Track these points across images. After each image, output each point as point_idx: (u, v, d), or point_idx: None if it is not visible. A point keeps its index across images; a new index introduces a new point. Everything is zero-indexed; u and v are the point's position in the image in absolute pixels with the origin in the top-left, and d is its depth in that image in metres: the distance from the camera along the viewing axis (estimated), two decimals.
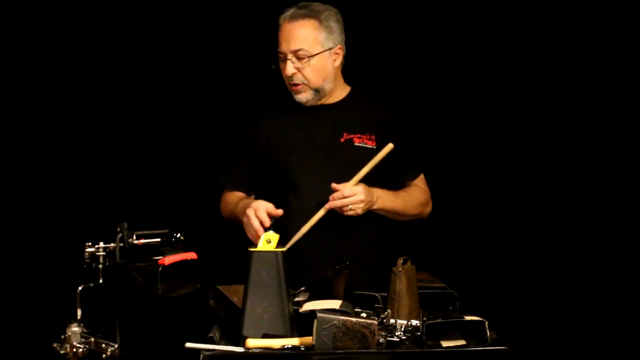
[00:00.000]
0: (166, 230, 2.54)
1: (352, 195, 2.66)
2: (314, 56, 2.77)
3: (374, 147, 2.78)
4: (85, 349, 2.43)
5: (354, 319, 2.12)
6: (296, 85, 2.80)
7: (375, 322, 2.14)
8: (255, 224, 2.61)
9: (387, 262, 2.68)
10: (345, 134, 2.84)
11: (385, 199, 2.78)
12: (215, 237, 3.30)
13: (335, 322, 2.11)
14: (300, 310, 2.27)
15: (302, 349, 2.15)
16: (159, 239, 2.53)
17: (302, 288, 2.53)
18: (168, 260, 2.38)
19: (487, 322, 2.19)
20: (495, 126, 3.58)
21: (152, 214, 3.46)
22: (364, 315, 2.22)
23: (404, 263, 2.42)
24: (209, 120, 3.57)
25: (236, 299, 2.39)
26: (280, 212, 2.64)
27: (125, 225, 2.50)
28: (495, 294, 3.44)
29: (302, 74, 2.78)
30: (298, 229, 2.68)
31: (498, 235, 3.55)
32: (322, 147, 2.84)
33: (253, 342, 2.16)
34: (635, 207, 3.50)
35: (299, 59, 2.77)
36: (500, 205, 3.58)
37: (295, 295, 2.48)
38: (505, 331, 2.28)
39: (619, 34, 3.48)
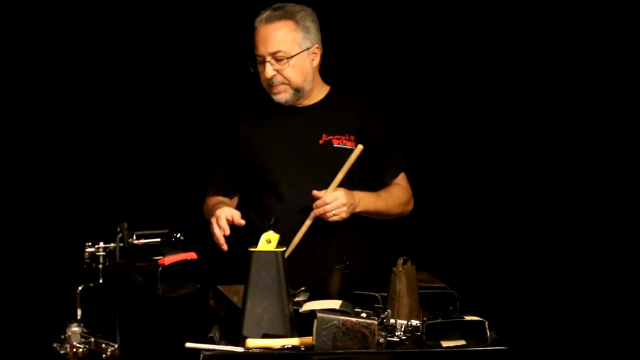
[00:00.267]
0: (166, 230, 2.54)
1: (333, 200, 2.68)
2: (292, 57, 2.78)
3: (353, 147, 2.77)
4: (85, 349, 2.43)
5: (354, 319, 2.12)
6: (276, 85, 2.80)
7: (375, 322, 2.14)
8: (216, 231, 2.68)
9: (374, 264, 2.72)
10: (324, 136, 2.85)
11: (367, 201, 2.79)
12: None
13: (335, 322, 2.11)
14: (300, 310, 2.27)
15: (302, 349, 2.15)
16: (159, 239, 2.53)
17: (302, 288, 2.53)
18: (168, 260, 2.38)
19: (487, 322, 2.19)
20: (496, 126, 3.58)
21: (152, 214, 3.46)
22: (364, 315, 2.22)
23: (404, 263, 2.42)
24: (209, 120, 3.57)
25: (236, 299, 2.39)
26: (242, 222, 2.70)
27: (125, 225, 2.50)
28: (495, 294, 3.44)
29: (282, 75, 2.79)
30: (281, 234, 2.67)
31: (498, 235, 3.55)
32: (301, 150, 2.85)
33: (253, 342, 2.16)
34: (635, 207, 3.50)
35: (278, 60, 2.78)
36: (500, 205, 3.58)
37: (295, 295, 2.48)
38: (505, 331, 2.28)
39: (618, 34, 3.48)
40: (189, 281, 2.44)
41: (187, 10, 3.54)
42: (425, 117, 3.57)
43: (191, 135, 3.59)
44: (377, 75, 3.55)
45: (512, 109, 3.57)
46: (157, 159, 3.59)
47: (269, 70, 2.78)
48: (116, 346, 2.41)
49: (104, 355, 2.41)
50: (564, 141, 3.55)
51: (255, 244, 2.27)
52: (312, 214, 2.70)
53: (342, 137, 2.84)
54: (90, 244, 2.48)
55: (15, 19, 3.49)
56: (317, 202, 2.69)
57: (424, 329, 2.19)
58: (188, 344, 2.16)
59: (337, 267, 2.49)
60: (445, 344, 2.18)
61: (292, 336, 2.20)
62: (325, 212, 2.68)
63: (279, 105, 2.88)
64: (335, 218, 2.70)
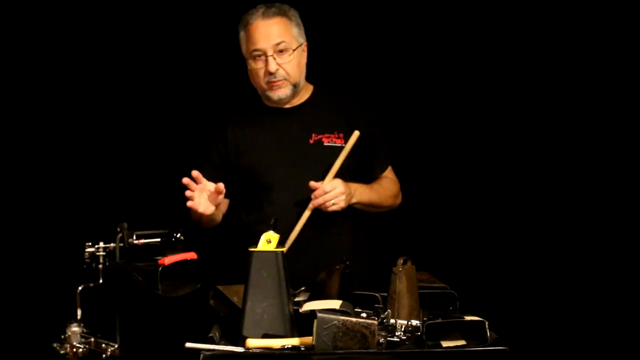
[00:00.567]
0: (166, 230, 2.54)
1: (332, 189, 2.68)
2: (295, 50, 2.80)
3: (343, 145, 2.79)
4: (85, 349, 2.43)
5: (354, 319, 2.12)
6: (277, 81, 2.80)
7: (375, 322, 2.14)
8: (188, 193, 2.65)
9: (367, 264, 2.72)
10: (313, 135, 2.86)
11: (361, 192, 2.81)
12: (215, 237, 3.29)
13: (335, 322, 2.11)
14: (300, 310, 2.27)
15: (302, 349, 2.15)
16: (159, 239, 2.53)
17: (302, 288, 2.53)
18: (168, 260, 2.38)
19: (487, 322, 2.19)
20: (496, 127, 3.58)
21: (152, 214, 3.46)
22: (364, 315, 2.22)
23: (404, 263, 2.42)
24: (209, 120, 3.57)
25: (236, 299, 2.39)
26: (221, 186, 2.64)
27: (125, 225, 2.50)
28: (495, 294, 3.44)
29: (284, 69, 2.80)
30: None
31: (498, 235, 3.55)
32: (292, 150, 2.85)
33: (253, 342, 2.16)
34: (635, 207, 3.50)
35: (281, 53, 2.78)
36: (500, 205, 3.58)
37: (295, 295, 2.48)
38: (505, 331, 2.28)
39: (618, 34, 3.48)
40: (189, 281, 2.44)
41: (186, 10, 3.54)
42: (425, 117, 3.57)
43: (191, 135, 3.59)
44: (360, 72, 3.55)
45: (512, 109, 3.57)
46: (157, 159, 3.59)
47: (273, 64, 2.78)
48: (116, 346, 2.42)
49: (104, 355, 2.41)
50: (563, 141, 3.55)
51: (253, 245, 2.27)
52: (311, 205, 2.71)
53: (331, 135, 2.85)
54: (90, 244, 2.48)
55: (14, 19, 3.49)
56: (316, 192, 2.69)
57: (424, 329, 2.19)
58: (188, 344, 2.16)
59: (337, 267, 2.49)
60: (445, 344, 2.18)
61: (292, 336, 2.20)
62: (325, 202, 2.68)
63: (265, 106, 2.90)
64: (334, 207, 2.70)
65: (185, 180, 2.65)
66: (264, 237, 2.28)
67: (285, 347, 2.16)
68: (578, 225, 3.53)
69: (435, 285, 2.58)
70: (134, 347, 2.52)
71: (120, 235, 2.48)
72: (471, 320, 2.20)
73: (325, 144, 2.85)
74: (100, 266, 2.47)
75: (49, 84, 3.53)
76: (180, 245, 2.51)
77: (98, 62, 3.54)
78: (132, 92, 3.57)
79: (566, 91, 3.54)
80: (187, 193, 2.65)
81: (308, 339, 2.14)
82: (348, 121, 2.86)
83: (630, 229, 3.49)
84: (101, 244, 2.48)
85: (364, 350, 2.11)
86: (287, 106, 2.90)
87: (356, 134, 2.74)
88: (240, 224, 2.92)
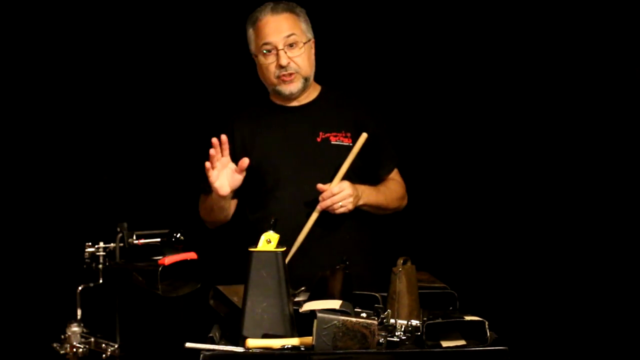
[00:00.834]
0: (166, 230, 2.54)
1: (340, 191, 2.68)
2: (305, 43, 2.81)
3: (350, 144, 2.79)
4: (85, 349, 2.43)
5: (354, 319, 2.12)
6: (288, 75, 2.80)
7: (375, 322, 2.14)
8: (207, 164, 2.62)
9: (374, 263, 2.71)
10: (321, 134, 2.85)
11: (368, 194, 2.80)
12: (215, 237, 3.29)
13: (335, 322, 2.11)
14: (300, 310, 2.27)
15: (302, 349, 2.15)
16: (159, 239, 2.53)
17: (302, 288, 2.53)
18: (168, 260, 2.38)
19: (487, 322, 2.19)
20: (496, 126, 3.58)
21: (152, 214, 3.46)
22: (364, 315, 2.22)
23: (404, 263, 2.42)
24: (209, 120, 3.57)
25: (236, 299, 2.38)
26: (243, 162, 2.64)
27: (125, 225, 2.50)
28: (495, 294, 3.44)
29: (295, 63, 2.80)
30: (280, 233, 2.67)
31: (498, 235, 3.55)
32: (299, 148, 2.85)
33: (253, 342, 2.16)
34: (635, 207, 3.49)
35: (291, 46, 2.79)
36: (500, 205, 3.58)
37: (295, 295, 2.48)
38: (505, 331, 2.28)
39: (618, 34, 3.48)
40: (189, 281, 2.44)
41: (188, 10, 3.54)
42: (424, 117, 3.57)
43: (191, 135, 3.59)
44: (367, 74, 3.55)
45: (512, 109, 3.57)
46: (157, 159, 3.59)
47: (284, 58, 2.78)
48: (116, 346, 2.41)
49: (104, 355, 2.41)
50: (563, 141, 3.55)
51: (255, 244, 2.27)
52: (319, 207, 2.70)
53: (338, 134, 2.85)
54: (90, 244, 2.48)
55: (14, 19, 3.49)
56: (324, 194, 2.68)
57: (424, 329, 2.18)
58: (188, 344, 2.16)
59: (337, 267, 2.49)
60: (445, 344, 2.18)
61: (292, 336, 2.20)
62: (333, 204, 2.68)
63: (273, 104, 2.90)
64: (342, 210, 2.69)
65: (214, 140, 2.62)
66: (264, 237, 2.28)
67: (285, 347, 2.15)
68: (578, 226, 3.53)
69: (435, 285, 2.58)
70: (134, 347, 2.52)
71: (120, 235, 2.48)
72: (471, 320, 2.20)
73: (332, 142, 2.84)
74: (100, 266, 2.47)
75: (49, 84, 3.53)
76: (180, 245, 2.51)
77: (98, 62, 3.54)
78: (132, 92, 3.57)
79: (566, 91, 3.54)
80: (207, 164, 2.62)
81: (308, 339, 2.14)
82: (356, 121, 2.86)
83: (630, 229, 3.49)
84: (101, 244, 2.47)
85: (364, 350, 2.11)
86: (295, 104, 2.89)
87: (364, 136, 2.73)
88: (245, 222, 2.90)
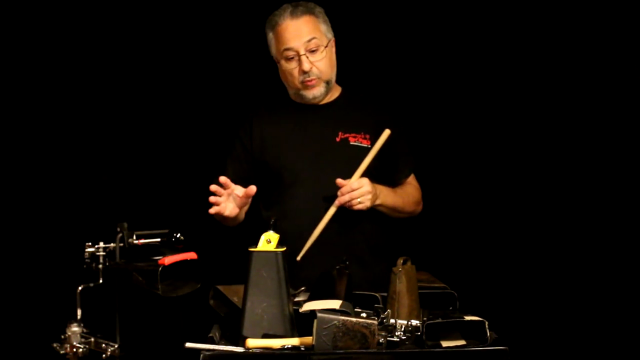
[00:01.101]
0: (166, 230, 2.54)
1: (360, 187, 2.66)
2: (326, 46, 2.79)
3: (369, 146, 2.78)
4: (85, 349, 2.43)
5: (354, 319, 2.12)
6: (311, 80, 2.80)
7: (375, 322, 2.14)
8: (213, 199, 2.62)
9: (385, 262, 2.69)
10: (340, 134, 2.84)
11: (386, 194, 2.79)
12: (215, 237, 3.29)
13: (335, 322, 2.11)
14: (300, 310, 2.27)
15: (302, 349, 2.15)
16: (159, 239, 2.53)
17: (302, 288, 2.53)
18: (168, 260, 2.38)
19: (487, 322, 2.19)
20: (495, 126, 3.58)
21: (152, 214, 3.46)
22: (364, 315, 2.22)
23: (404, 263, 2.42)
24: (209, 120, 3.57)
25: (236, 299, 2.39)
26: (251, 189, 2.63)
27: (125, 225, 2.50)
28: (495, 294, 3.44)
29: (317, 68, 2.79)
30: (295, 230, 2.67)
31: (498, 235, 3.56)
32: (317, 147, 2.84)
33: (253, 342, 2.16)
34: (635, 207, 3.50)
35: (312, 51, 2.78)
36: (500, 205, 3.58)
37: (295, 295, 2.48)
38: (505, 331, 2.28)
39: (618, 34, 3.48)
40: (189, 281, 2.44)
41: (192, 9, 3.54)
42: (424, 116, 3.57)
43: (191, 135, 3.59)
44: (378, 77, 3.55)
45: (511, 108, 3.57)
46: (157, 159, 3.59)
47: (307, 63, 2.77)
48: (116, 346, 2.41)
49: (104, 355, 2.41)
50: (563, 141, 3.55)
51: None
52: (337, 202, 2.67)
53: (358, 135, 2.84)
54: (90, 244, 2.48)
55: (16, 18, 3.49)
56: (343, 189, 2.66)
57: (424, 329, 2.19)
58: (188, 344, 2.16)
59: (337, 267, 2.49)
60: (445, 344, 2.18)
61: (292, 336, 2.20)
62: (352, 199, 2.66)
63: (292, 102, 2.89)
64: (360, 206, 2.67)
65: (214, 187, 2.63)
66: (264, 237, 2.28)
67: (285, 347, 2.15)
68: (578, 226, 3.53)
69: (435, 285, 2.58)
70: (134, 347, 2.52)
71: (120, 235, 2.48)
72: (471, 320, 2.20)
73: (351, 143, 2.83)
74: (100, 266, 2.46)
75: (50, 84, 3.53)
76: (180, 245, 2.51)
77: (98, 62, 3.54)
78: (131, 92, 3.57)
79: (566, 92, 3.54)
80: (212, 199, 2.63)
81: (308, 339, 2.14)
82: (376, 123, 2.83)
83: (630, 229, 3.49)
84: (101, 244, 2.47)
85: (364, 350, 2.11)
86: (314, 104, 2.88)
87: (387, 132, 2.71)
88: (259, 219, 2.89)
